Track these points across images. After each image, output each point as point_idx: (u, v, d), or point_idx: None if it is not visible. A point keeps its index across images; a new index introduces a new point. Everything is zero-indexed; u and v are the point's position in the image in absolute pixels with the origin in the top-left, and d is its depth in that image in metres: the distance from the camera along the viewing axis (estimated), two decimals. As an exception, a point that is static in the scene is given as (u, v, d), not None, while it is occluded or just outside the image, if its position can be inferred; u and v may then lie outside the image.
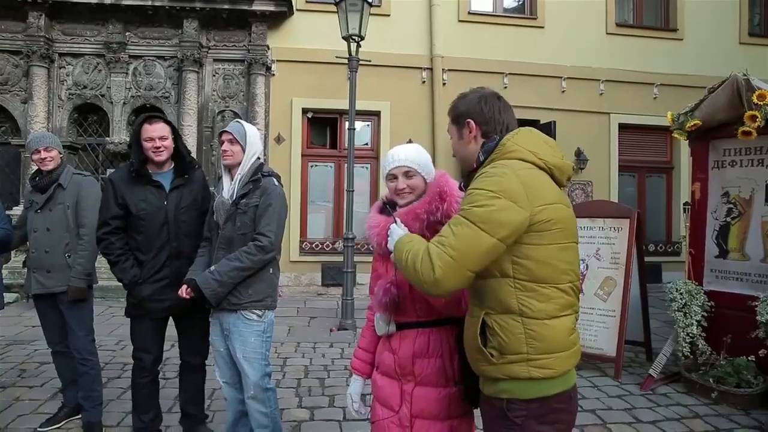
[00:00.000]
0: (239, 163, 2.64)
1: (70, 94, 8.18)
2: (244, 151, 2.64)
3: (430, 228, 1.76)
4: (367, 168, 8.82)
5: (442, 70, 8.67)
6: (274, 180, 2.71)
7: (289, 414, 3.67)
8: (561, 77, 8.92)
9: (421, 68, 8.74)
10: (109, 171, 7.59)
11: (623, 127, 9.33)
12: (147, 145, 2.80)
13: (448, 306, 1.75)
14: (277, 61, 8.43)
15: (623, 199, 8.98)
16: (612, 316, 4.66)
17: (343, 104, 6.90)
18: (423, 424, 1.80)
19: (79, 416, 3.34)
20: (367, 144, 8.93)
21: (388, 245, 1.71)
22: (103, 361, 4.51)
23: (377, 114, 8.73)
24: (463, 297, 1.74)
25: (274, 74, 8.46)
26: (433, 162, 1.98)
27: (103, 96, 8.19)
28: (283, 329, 5.97)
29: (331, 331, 6.04)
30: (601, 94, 9.16)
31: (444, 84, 8.65)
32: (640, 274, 4.94)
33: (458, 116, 1.67)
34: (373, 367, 2.03)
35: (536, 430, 1.45)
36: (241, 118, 8.09)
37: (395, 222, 1.74)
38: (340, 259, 6.75)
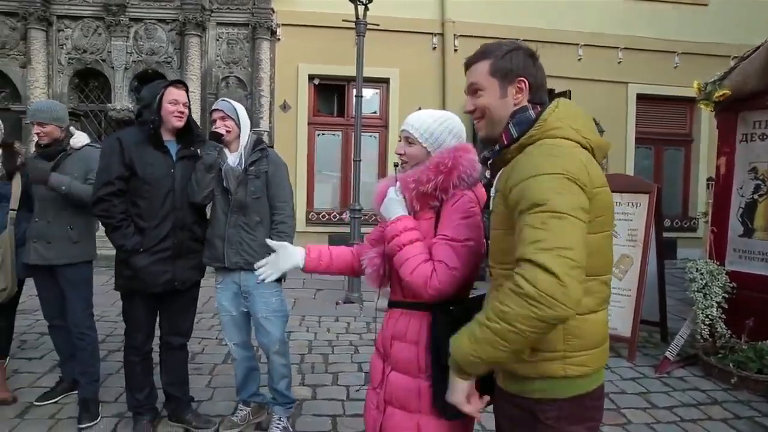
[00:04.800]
0: (236, 137, 2.80)
1: (70, 59, 7.94)
2: (238, 125, 2.76)
3: (419, 199, 1.67)
4: (375, 137, 8.58)
5: (454, 35, 8.35)
6: (276, 152, 2.94)
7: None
8: (578, 44, 8.56)
9: (431, 33, 8.42)
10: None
11: (641, 98, 9.00)
12: (170, 108, 2.68)
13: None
14: (282, 25, 8.12)
15: (639, 173, 8.71)
16: (627, 296, 4.49)
17: (351, 71, 6.65)
18: (392, 412, 1.68)
19: (76, 392, 3.26)
20: (375, 112, 8.67)
21: (381, 209, 1.72)
22: (104, 333, 4.44)
23: (386, 81, 8.44)
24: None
25: (279, 39, 8.17)
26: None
27: (103, 61, 7.94)
28: (287, 302, 5.84)
29: (336, 304, 5.94)
30: (620, 62, 8.80)
31: (456, 50, 8.33)
32: (658, 252, 4.74)
33: (508, 71, 1.43)
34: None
35: (569, 431, 1.33)
36: (245, 85, 7.96)
37: (396, 185, 1.71)
38: (347, 230, 6.60)
